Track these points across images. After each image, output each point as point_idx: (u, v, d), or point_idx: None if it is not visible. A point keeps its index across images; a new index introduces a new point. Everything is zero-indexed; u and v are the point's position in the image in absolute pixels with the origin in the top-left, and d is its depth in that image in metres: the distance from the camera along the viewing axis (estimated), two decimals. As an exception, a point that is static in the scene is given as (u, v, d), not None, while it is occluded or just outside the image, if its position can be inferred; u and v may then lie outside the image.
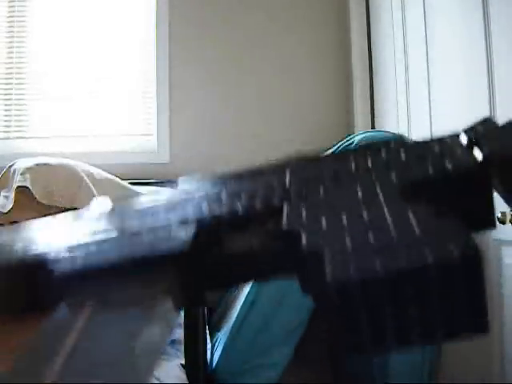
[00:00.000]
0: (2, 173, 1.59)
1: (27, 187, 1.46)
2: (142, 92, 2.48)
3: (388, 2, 2.08)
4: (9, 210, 1.43)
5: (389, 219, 0.22)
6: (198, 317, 1.40)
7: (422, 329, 0.20)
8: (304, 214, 0.24)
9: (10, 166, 1.59)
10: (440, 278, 0.20)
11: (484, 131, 0.28)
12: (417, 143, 0.28)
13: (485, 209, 0.26)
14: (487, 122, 0.28)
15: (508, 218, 1.25)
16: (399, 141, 0.28)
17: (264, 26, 2.47)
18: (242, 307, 1.59)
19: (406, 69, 1.92)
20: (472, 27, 1.42)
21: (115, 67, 2.46)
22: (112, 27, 2.47)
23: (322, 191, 0.26)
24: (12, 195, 1.44)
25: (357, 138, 1.67)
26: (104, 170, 1.73)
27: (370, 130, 2.22)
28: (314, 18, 2.49)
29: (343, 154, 0.29)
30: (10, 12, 2.42)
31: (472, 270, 0.20)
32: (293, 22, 2.48)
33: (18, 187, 1.46)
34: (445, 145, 0.28)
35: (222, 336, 1.62)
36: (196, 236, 0.25)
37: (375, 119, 2.30)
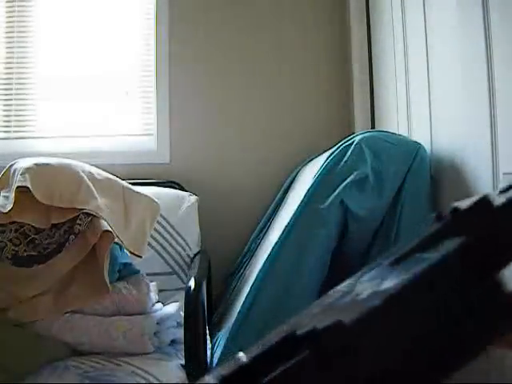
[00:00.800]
0: (2, 173, 1.59)
1: (27, 187, 1.46)
2: (142, 92, 2.48)
3: (388, 2, 2.08)
4: (9, 210, 1.43)
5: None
6: (198, 317, 1.40)
7: None
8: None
9: (11, 166, 1.59)
10: None
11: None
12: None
13: None
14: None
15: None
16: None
17: (264, 26, 2.47)
18: (242, 307, 1.59)
19: (406, 69, 1.92)
20: (472, 26, 1.42)
21: (115, 67, 2.46)
22: (112, 26, 2.47)
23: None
24: (12, 195, 1.44)
25: (357, 138, 1.67)
26: (104, 170, 1.73)
27: (370, 129, 2.22)
28: (313, 19, 2.49)
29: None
30: (9, 12, 2.42)
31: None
32: (293, 22, 2.48)
33: (18, 187, 1.46)
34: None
35: (222, 336, 1.62)
36: None
37: (375, 119, 2.30)
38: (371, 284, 0.28)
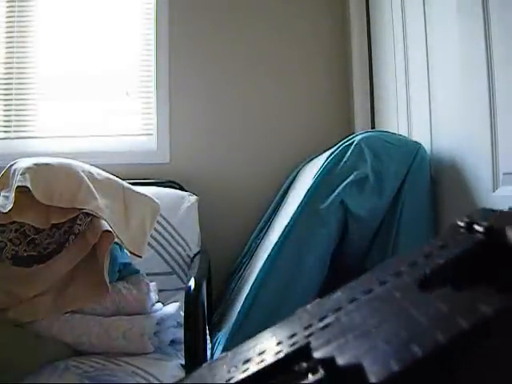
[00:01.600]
0: (2, 173, 1.59)
1: (27, 187, 1.46)
2: (142, 92, 2.48)
3: (388, 2, 2.08)
4: (9, 210, 1.43)
5: (412, 311, 0.24)
6: (198, 317, 1.40)
7: None
8: (331, 339, 0.26)
9: (11, 166, 1.59)
10: (458, 351, 0.21)
11: (479, 216, 0.30)
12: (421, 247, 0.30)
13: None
14: (482, 210, 0.31)
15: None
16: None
17: (264, 27, 2.47)
18: (242, 307, 1.59)
19: (406, 69, 1.92)
20: (472, 27, 1.42)
21: (115, 67, 2.46)
22: (112, 26, 2.47)
23: (342, 316, 0.28)
24: (12, 195, 1.44)
25: (357, 138, 1.67)
26: (104, 170, 1.73)
27: (370, 129, 2.22)
28: (314, 19, 2.49)
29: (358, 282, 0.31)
30: (10, 12, 2.42)
31: (480, 338, 0.22)
32: (293, 22, 2.48)
33: (18, 187, 1.46)
34: (445, 236, 0.30)
35: (222, 336, 1.62)
36: None
37: (375, 119, 2.30)
38: (387, 304, 0.27)
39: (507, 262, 0.27)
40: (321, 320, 0.28)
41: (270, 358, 0.27)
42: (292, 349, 0.27)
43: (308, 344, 0.27)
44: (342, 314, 0.28)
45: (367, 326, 0.25)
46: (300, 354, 0.26)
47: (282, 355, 0.27)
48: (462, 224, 0.30)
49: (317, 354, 0.25)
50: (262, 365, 0.27)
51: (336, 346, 0.25)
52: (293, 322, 0.31)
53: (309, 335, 0.27)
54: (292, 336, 0.28)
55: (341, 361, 0.23)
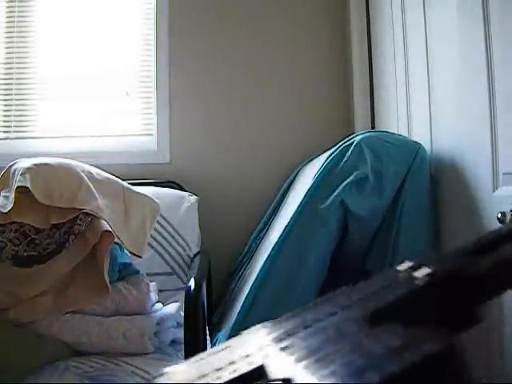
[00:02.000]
0: (2, 173, 1.59)
1: (27, 187, 1.46)
2: (142, 92, 2.48)
3: (388, 3, 2.08)
4: (9, 210, 1.43)
5: (365, 342, 0.25)
6: (198, 317, 1.40)
7: None
8: (288, 362, 0.27)
9: (11, 166, 1.59)
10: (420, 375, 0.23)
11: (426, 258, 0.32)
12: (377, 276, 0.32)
13: (460, 310, 0.30)
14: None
15: (508, 218, 1.25)
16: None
17: (264, 27, 2.47)
18: (242, 307, 1.59)
19: (406, 69, 1.92)
20: (472, 27, 1.42)
21: (115, 67, 2.46)
22: (112, 26, 2.47)
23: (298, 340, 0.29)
24: (12, 195, 1.44)
25: (357, 138, 1.67)
26: (104, 170, 1.73)
27: (370, 130, 2.22)
28: (314, 19, 2.49)
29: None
30: (10, 12, 2.42)
31: (443, 363, 0.23)
32: (293, 22, 2.48)
33: (18, 187, 1.46)
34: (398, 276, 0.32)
35: (222, 336, 1.62)
36: None
37: (375, 119, 2.30)
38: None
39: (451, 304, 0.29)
40: (279, 341, 0.30)
41: (225, 377, 0.28)
42: (248, 369, 0.28)
43: (263, 366, 0.27)
44: (297, 338, 0.29)
45: (324, 353, 0.26)
46: (256, 375, 0.27)
47: (236, 374, 0.28)
48: (402, 269, 0.32)
49: (273, 376, 0.26)
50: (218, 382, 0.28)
51: (293, 369, 0.25)
52: (253, 338, 0.33)
53: (266, 356, 0.28)
54: (248, 356, 0.30)
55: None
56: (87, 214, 1.52)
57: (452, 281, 0.29)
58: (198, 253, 2.05)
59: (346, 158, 1.62)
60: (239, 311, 1.58)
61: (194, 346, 1.37)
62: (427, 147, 1.66)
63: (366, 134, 1.69)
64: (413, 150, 1.62)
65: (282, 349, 0.28)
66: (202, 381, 0.27)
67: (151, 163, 2.38)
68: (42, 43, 2.44)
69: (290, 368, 0.25)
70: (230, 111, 2.45)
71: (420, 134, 1.77)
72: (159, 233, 2.00)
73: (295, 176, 2.18)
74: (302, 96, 2.47)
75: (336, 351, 0.25)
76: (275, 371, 0.26)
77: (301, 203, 1.62)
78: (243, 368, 0.27)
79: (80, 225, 1.53)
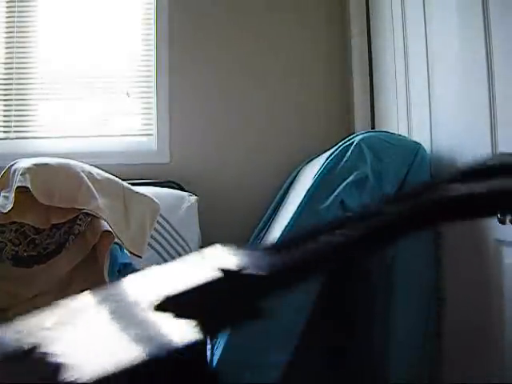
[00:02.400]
0: (2, 173, 1.59)
1: (27, 187, 1.46)
2: (142, 92, 2.48)
3: (388, 3, 2.08)
4: (9, 210, 1.43)
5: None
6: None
7: None
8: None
9: (11, 167, 1.59)
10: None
11: None
12: None
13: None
14: None
15: (508, 218, 1.24)
16: None
17: (264, 27, 2.47)
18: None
19: (406, 69, 1.92)
20: (472, 27, 1.42)
21: (115, 67, 2.46)
22: (112, 27, 2.47)
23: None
24: (12, 195, 1.44)
25: (357, 138, 1.67)
26: (104, 170, 1.73)
27: (370, 130, 2.22)
28: (314, 20, 2.49)
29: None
30: (10, 12, 2.42)
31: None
32: (293, 23, 2.48)
33: (18, 187, 1.46)
34: None
35: (222, 336, 1.62)
36: None
37: (375, 119, 2.30)
38: None
39: None
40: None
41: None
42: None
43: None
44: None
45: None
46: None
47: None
48: None
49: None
50: None
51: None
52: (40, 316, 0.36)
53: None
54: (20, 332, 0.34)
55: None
56: (87, 214, 1.52)
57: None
58: (198, 253, 2.05)
59: (345, 158, 1.62)
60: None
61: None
62: (427, 147, 1.66)
63: (365, 134, 1.69)
64: (413, 149, 1.62)
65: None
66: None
67: (151, 163, 2.38)
68: (42, 43, 2.44)
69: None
70: (230, 111, 2.45)
71: (420, 134, 1.77)
72: (159, 233, 2.00)
73: (295, 176, 2.18)
74: (301, 96, 2.47)
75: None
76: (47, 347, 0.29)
77: (301, 203, 1.62)
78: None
79: (80, 225, 1.53)
